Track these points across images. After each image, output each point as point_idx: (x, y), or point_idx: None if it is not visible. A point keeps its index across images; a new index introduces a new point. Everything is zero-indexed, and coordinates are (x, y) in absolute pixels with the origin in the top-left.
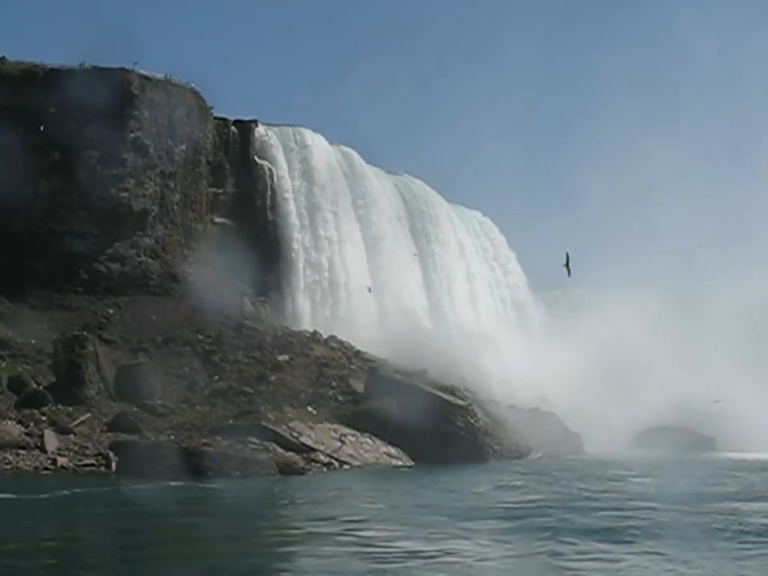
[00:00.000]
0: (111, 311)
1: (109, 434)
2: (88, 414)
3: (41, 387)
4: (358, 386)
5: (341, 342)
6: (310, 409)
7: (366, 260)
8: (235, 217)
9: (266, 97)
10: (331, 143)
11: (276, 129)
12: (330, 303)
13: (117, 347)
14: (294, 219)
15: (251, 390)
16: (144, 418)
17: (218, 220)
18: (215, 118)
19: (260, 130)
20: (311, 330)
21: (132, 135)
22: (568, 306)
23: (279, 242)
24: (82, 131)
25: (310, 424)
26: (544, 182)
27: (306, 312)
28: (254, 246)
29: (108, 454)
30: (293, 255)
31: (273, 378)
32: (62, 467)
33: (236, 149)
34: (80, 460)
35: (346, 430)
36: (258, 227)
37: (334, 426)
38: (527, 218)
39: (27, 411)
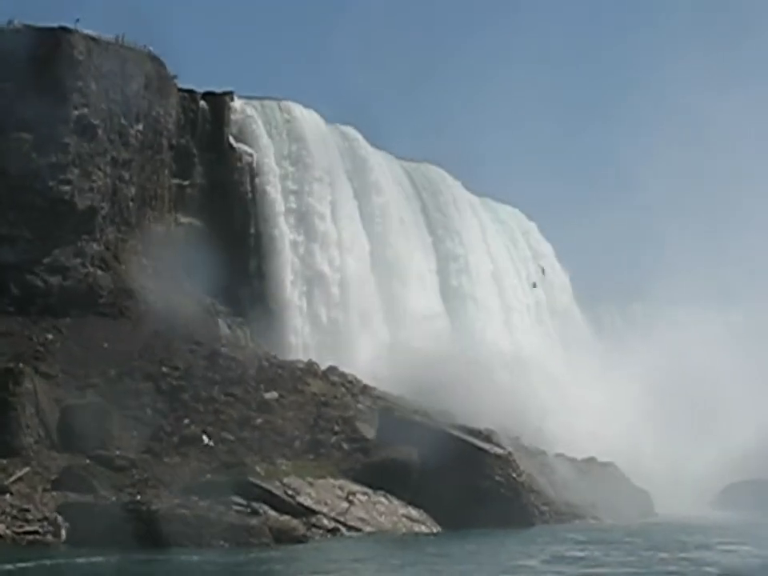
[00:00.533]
0: (50, 336)
1: (54, 494)
2: (27, 469)
3: None
4: (368, 431)
5: (343, 375)
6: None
7: (372, 270)
8: (206, 216)
9: (243, 63)
10: (328, 123)
11: (257, 103)
12: (327, 325)
13: (58, 383)
14: (281, 219)
15: (232, 437)
16: (99, 473)
17: (183, 220)
18: (179, 90)
19: (237, 104)
20: (305, 360)
21: (76, 113)
22: (624, 323)
23: (263, 248)
24: (11, 108)
25: (310, 480)
26: (590, 168)
27: (298, 336)
28: (230, 253)
29: (56, 518)
30: (280, 265)
31: (259, 420)
32: None
33: (206, 129)
34: (20, 527)
35: (355, 487)
36: (235, 229)
37: (340, 481)
38: (568, 214)
39: None
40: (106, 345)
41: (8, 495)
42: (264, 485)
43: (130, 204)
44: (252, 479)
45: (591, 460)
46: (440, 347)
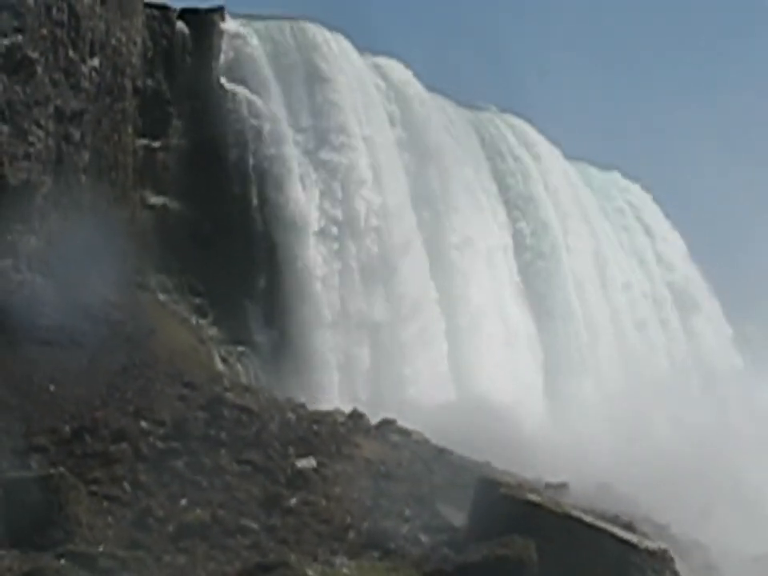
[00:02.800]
0: None
1: None
2: None
3: None
4: (454, 515)
5: (405, 432)
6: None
7: (432, 278)
8: (186, 193)
9: None
10: (362, 53)
11: (260, 24)
12: (369, 354)
13: None
14: (298, 193)
15: (255, 525)
16: None
17: (153, 200)
18: (147, 5)
19: (230, 26)
20: (344, 409)
21: (6, 42)
22: None
23: (273, 241)
24: None
25: None
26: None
27: (331, 372)
28: (223, 249)
29: None
30: (300, 265)
31: (293, 500)
32: None
33: (186, 63)
34: None
35: None
36: (230, 214)
37: None
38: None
39: None
40: (52, 388)
41: None
42: None
43: (82, 178)
44: None
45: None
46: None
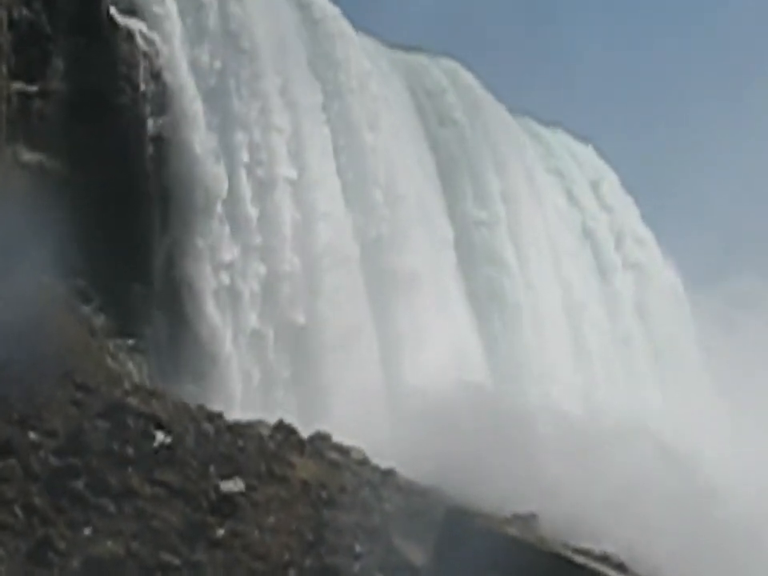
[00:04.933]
0: None
1: None
2: None
3: None
4: (413, 551)
5: (342, 449)
6: None
7: (361, 269)
8: (68, 150)
9: None
10: None
11: None
12: (286, 356)
13: None
14: (200, 148)
15: (177, 560)
16: None
17: (28, 156)
18: None
19: None
20: (266, 419)
21: None
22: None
23: (172, 212)
24: None
25: None
26: None
27: (236, 370)
28: (112, 219)
29: None
30: (203, 244)
31: (220, 531)
32: None
33: None
34: None
35: None
36: (120, 175)
37: None
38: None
39: None
40: None
41: None
42: None
43: None
44: None
45: None
46: (472, 394)
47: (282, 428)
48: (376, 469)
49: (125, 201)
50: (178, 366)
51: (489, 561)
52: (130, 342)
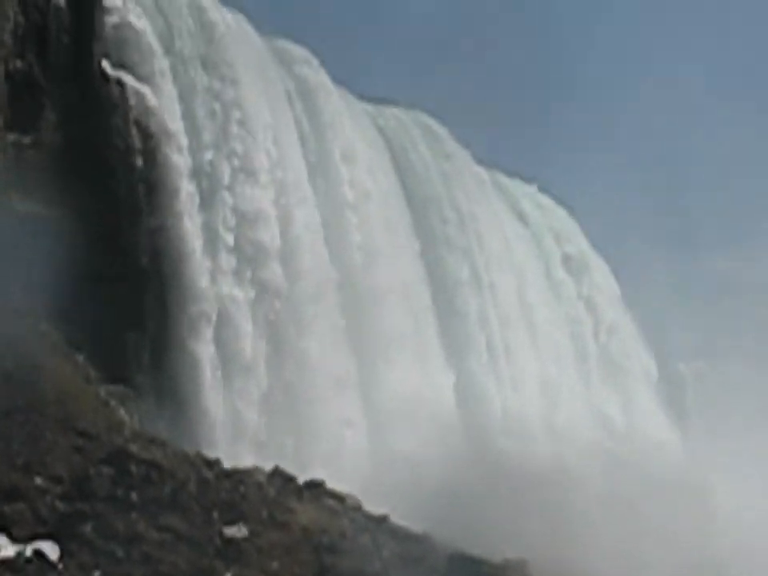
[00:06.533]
0: None
1: None
2: None
3: None
4: None
5: (338, 497)
6: None
7: (341, 309)
8: (61, 200)
9: None
10: (261, 34)
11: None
12: (272, 402)
13: None
14: (190, 204)
15: None
16: None
17: (21, 207)
18: None
19: (115, 0)
20: (266, 468)
21: None
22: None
23: (159, 255)
24: None
25: None
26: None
27: (221, 416)
28: (102, 268)
29: None
30: (191, 286)
31: (228, 575)
32: None
33: (62, 43)
34: None
35: None
36: (112, 226)
37: None
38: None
39: None
40: None
41: None
42: None
43: None
44: None
45: None
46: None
47: (279, 474)
48: (371, 516)
49: (118, 251)
50: (162, 413)
51: None
52: (121, 388)
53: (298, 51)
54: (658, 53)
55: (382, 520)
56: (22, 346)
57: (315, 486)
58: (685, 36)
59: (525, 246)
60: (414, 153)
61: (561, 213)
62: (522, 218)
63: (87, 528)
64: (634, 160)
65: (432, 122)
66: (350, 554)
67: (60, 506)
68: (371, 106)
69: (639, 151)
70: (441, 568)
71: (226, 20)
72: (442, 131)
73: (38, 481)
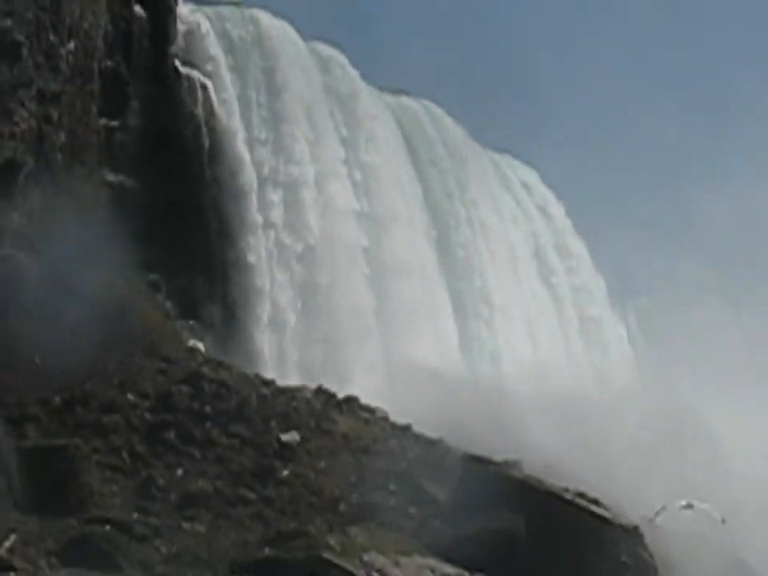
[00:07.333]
0: None
1: (67, 572)
2: (14, 536)
3: None
4: (438, 491)
5: (369, 409)
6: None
7: (367, 263)
8: (142, 172)
9: None
10: (306, 40)
11: (211, 10)
12: (313, 337)
13: None
14: (246, 177)
15: (252, 495)
16: (122, 545)
17: (111, 178)
18: None
19: (184, 10)
20: (312, 386)
21: None
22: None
23: (221, 218)
24: None
25: (396, 558)
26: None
27: (272, 347)
28: (174, 225)
29: None
30: (247, 243)
31: (285, 473)
32: None
33: (143, 46)
34: None
35: (447, 568)
36: (181, 195)
37: (429, 560)
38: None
39: None
40: (38, 360)
41: (12, 574)
42: (344, 564)
43: (59, 156)
44: (328, 556)
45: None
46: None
47: (322, 391)
48: (396, 425)
49: (187, 211)
50: (225, 340)
51: (499, 498)
52: (191, 322)
53: (331, 52)
54: None
55: (407, 428)
56: (114, 290)
57: (351, 401)
58: None
59: (513, 218)
60: (424, 137)
61: (543, 189)
62: (511, 191)
63: (171, 435)
64: None
65: (439, 111)
66: (381, 456)
67: (148, 417)
68: (390, 96)
69: None
70: (455, 467)
71: (275, 26)
72: (447, 119)
73: (130, 397)
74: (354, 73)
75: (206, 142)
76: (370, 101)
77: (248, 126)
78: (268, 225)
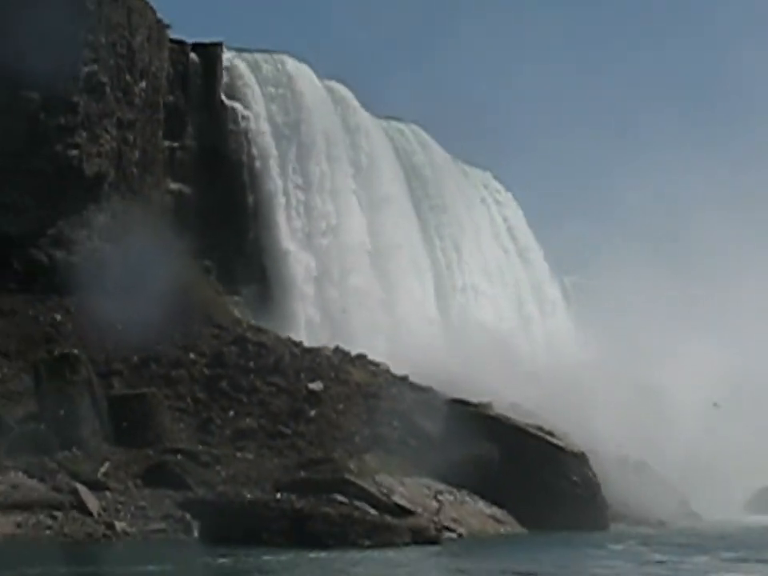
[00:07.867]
0: (59, 317)
1: (149, 491)
2: (107, 463)
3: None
4: (430, 426)
5: (376, 364)
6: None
7: (370, 256)
8: (197, 181)
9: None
10: (320, 78)
11: (248, 56)
12: (331, 310)
13: None
14: (275, 184)
15: (288, 430)
16: (190, 469)
17: (173, 186)
18: (170, 40)
19: (227, 56)
20: (330, 346)
21: (86, 69)
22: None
23: (258, 215)
24: (21, 63)
25: (401, 478)
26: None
27: (300, 316)
28: (222, 222)
29: (182, 516)
30: (277, 235)
31: (312, 413)
32: (125, 533)
33: (197, 85)
34: (145, 524)
35: (440, 486)
36: (227, 198)
37: (425, 480)
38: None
39: (31, 459)
40: (120, 327)
41: (108, 492)
42: (361, 483)
43: (134, 170)
44: (348, 477)
45: (624, 459)
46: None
47: (339, 350)
48: (396, 376)
49: (232, 211)
50: (262, 312)
51: (479, 432)
52: (236, 298)
53: (341, 89)
54: None
55: (405, 378)
56: (174, 272)
57: (361, 357)
58: None
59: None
60: (414, 154)
61: (507, 195)
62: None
63: (224, 384)
64: None
65: (423, 132)
66: (386, 399)
67: (206, 371)
68: (384, 121)
69: None
70: (443, 408)
71: (296, 67)
72: (429, 139)
73: (192, 356)
74: (356, 104)
75: (246, 158)
76: (371, 127)
77: (278, 146)
78: (292, 219)
